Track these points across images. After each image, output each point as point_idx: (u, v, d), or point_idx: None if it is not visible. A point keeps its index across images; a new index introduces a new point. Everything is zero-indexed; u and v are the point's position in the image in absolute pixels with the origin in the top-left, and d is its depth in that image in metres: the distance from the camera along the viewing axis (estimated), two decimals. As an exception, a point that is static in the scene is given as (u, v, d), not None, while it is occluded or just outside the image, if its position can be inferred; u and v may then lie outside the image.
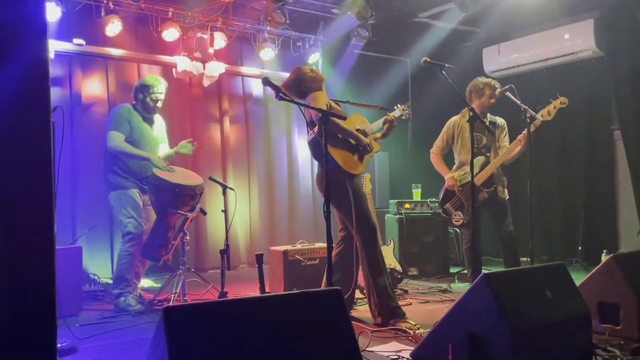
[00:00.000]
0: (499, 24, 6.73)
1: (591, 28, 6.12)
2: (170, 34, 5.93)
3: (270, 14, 6.12)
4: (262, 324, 1.99)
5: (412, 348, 2.99)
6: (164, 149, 4.72)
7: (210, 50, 6.25)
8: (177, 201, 4.31)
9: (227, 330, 1.92)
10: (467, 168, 4.29)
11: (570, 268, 3.07)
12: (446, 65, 3.77)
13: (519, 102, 4.39)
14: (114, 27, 5.57)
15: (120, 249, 4.41)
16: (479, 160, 4.65)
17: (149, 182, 4.40)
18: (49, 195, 1.68)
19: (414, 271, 5.90)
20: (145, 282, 5.38)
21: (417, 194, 6.47)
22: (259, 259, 3.57)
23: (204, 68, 6.25)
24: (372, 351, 3.13)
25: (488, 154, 4.74)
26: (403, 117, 4.31)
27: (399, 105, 4.31)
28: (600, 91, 6.40)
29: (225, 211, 4.45)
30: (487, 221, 4.91)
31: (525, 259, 4.66)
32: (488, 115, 4.84)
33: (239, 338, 1.92)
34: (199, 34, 6.27)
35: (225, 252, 4.19)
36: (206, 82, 6.44)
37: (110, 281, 4.80)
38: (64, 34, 5.51)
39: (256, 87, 7.20)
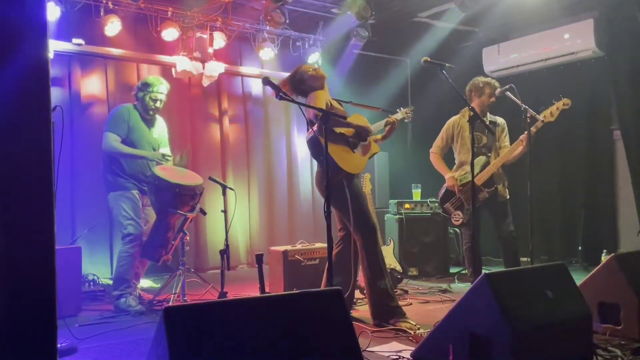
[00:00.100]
0: (499, 24, 6.73)
1: (591, 28, 6.11)
2: (170, 33, 5.92)
3: (270, 14, 6.12)
4: (263, 324, 1.98)
5: (413, 348, 2.98)
6: (166, 151, 4.71)
7: (210, 50, 6.25)
8: (177, 201, 4.30)
9: (228, 330, 1.91)
10: (468, 167, 4.29)
11: (570, 268, 3.06)
12: (446, 65, 3.77)
13: (519, 102, 4.39)
14: (113, 26, 5.56)
15: (121, 250, 4.41)
16: (480, 160, 4.64)
17: (149, 182, 4.39)
18: (49, 194, 1.68)
19: (414, 271, 5.89)
20: (145, 283, 5.37)
21: (417, 194, 6.47)
22: (259, 259, 3.57)
23: (203, 68, 6.24)
24: (372, 351, 3.12)
25: (489, 154, 4.74)
26: (406, 121, 4.29)
27: (402, 108, 4.28)
28: (600, 91, 6.39)
29: (225, 211, 4.44)
30: (487, 221, 4.91)
31: (525, 259, 4.66)
32: (488, 114, 4.84)
33: (240, 338, 1.92)
34: (198, 34, 6.27)
35: (225, 252, 4.19)
36: (205, 82, 6.43)
37: (110, 282, 4.79)
38: (63, 33, 5.50)
39: (256, 87, 7.19)
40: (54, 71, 5.52)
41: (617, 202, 6.40)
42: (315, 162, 7.42)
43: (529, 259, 4.21)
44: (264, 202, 7.15)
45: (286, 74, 7.07)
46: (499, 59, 7.00)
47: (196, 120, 6.68)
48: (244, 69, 7.00)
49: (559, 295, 2.75)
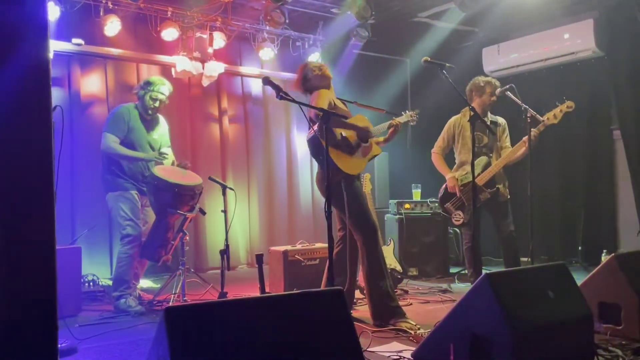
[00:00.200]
0: (499, 24, 6.72)
1: (591, 28, 6.11)
2: (170, 33, 5.92)
3: (270, 14, 6.11)
4: (264, 324, 1.98)
5: (413, 348, 2.98)
6: (168, 152, 4.71)
7: (210, 50, 6.24)
8: (176, 201, 4.29)
9: (229, 330, 1.91)
10: (468, 167, 4.28)
11: (570, 268, 3.05)
12: (447, 64, 3.76)
13: (519, 101, 4.39)
14: (113, 26, 5.55)
15: (120, 252, 4.40)
16: (482, 160, 4.64)
17: (148, 182, 4.39)
18: (50, 194, 1.67)
19: (414, 271, 5.89)
20: (145, 283, 5.37)
21: (417, 194, 6.47)
22: (259, 259, 3.56)
23: (203, 68, 6.24)
24: (373, 351, 3.12)
25: (491, 155, 4.74)
26: (411, 124, 4.22)
27: (407, 111, 4.23)
28: (600, 91, 6.39)
29: (225, 211, 4.43)
30: (487, 221, 4.91)
31: (525, 259, 4.66)
32: (489, 114, 4.83)
33: (241, 338, 1.91)
34: (198, 34, 6.26)
35: (225, 252, 4.19)
36: (205, 82, 6.43)
37: (110, 282, 4.78)
38: (63, 33, 5.50)
39: (255, 87, 7.19)
40: (53, 71, 5.49)
41: (617, 202, 6.40)
42: (315, 162, 7.47)
43: (529, 259, 4.20)
44: (263, 202, 7.15)
45: (286, 74, 7.17)
46: (499, 59, 7.00)
47: (196, 120, 6.67)
48: (243, 69, 7.00)
49: (559, 296, 2.74)
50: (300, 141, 7.50)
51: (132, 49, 6.05)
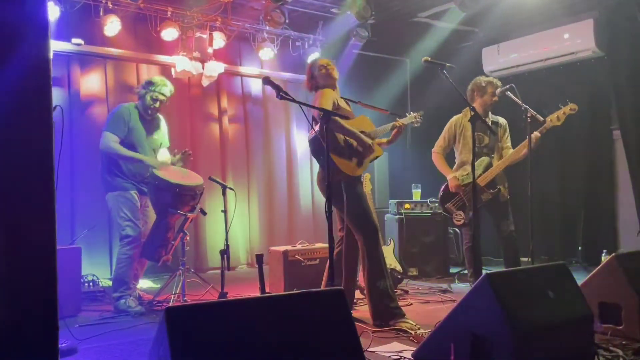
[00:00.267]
0: (499, 24, 6.72)
1: (591, 28, 6.11)
2: (169, 33, 5.91)
3: (270, 14, 6.11)
4: (265, 324, 1.98)
5: (414, 348, 2.98)
6: (164, 153, 4.70)
7: (209, 50, 6.24)
8: (177, 201, 4.29)
9: (230, 330, 1.91)
10: (469, 167, 4.28)
11: (569, 268, 3.05)
12: (447, 64, 3.76)
13: (519, 101, 4.38)
14: (112, 26, 5.55)
15: (119, 253, 4.39)
16: (483, 161, 4.64)
17: (148, 182, 4.38)
18: (51, 194, 1.67)
19: (414, 271, 5.89)
20: (144, 283, 5.37)
21: (417, 194, 6.47)
22: (259, 259, 3.56)
23: (203, 68, 6.24)
24: (373, 351, 3.12)
25: (492, 155, 4.73)
26: (415, 125, 4.18)
27: (411, 112, 4.20)
28: (600, 91, 6.39)
29: (225, 211, 4.43)
30: (488, 221, 4.90)
31: (525, 259, 4.66)
32: (490, 114, 4.83)
33: (242, 338, 1.91)
34: (198, 34, 6.26)
35: (225, 252, 4.18)
36: (205, 82, 6.42)
37: (110, 283, 4.78)
38: (63, 33, 5.50)
39: (255, 87, 7.19)
40: (53, 71, 5.50)
41: (616, 202, 6.40)
42: (315, 162, 7.46)
43: (529, 259, 4.20)
44: (263, 202, 7.15)
45: (286, 74, 7.17)
46: (499, 59, 7.00)
47: (196, 120, 6.67)
48: (243, 69, 7.00)
49: (560, 296, 2.74)
50: (300, 141, 7.50)
51: (132, 49, 6.05)
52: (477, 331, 2.50)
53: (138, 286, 4.71)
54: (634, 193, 5.99)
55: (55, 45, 5.35)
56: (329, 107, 3.66)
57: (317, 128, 3.62)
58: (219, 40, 6.30)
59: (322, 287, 3.99)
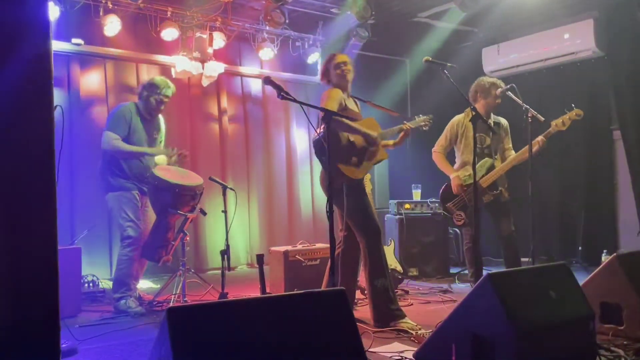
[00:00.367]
0: (499, 24, 6.72)
1: (591, 28, 6.11)
2: (169, 33, 5.91)
3: (270, 14, 6.11)
4: (267, 325, 1.97)
5: (415, 349, 2.97)
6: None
7: (209, 50, 6.24)
8: (177, 201, 4.28)
9: (232, 331, 1.90)
10: (471, 168, 4.27)
11: (570, 268, 3.05)
12: (448, 64, 3.75)
13: (520, 101, 4.38)
14: (112, 26, 5.55)
15: (120, 254, 4.38)
16: (486, 162, 4.64)
17: (149, 182, 4.37)
18: (52, 194, 1.66)
19: (414, 272, 5.88)
20: (144, 283, 5.36)
21: (417, 194, 6.46)
22: (260, 259, 3.56)
23: (203, 68, 6.23)
24: (374, 352, 3.11)
25: (496, 157, 4.73)
26: (424, 129, 4.15)
27: (420, 115, 4.15)
28: (600, 91, 6.39)
29: (225, 211, 4.42)
30: (488, 221, 4.90)
31: (526, 259, 4.65)
32: (492, 115, 4.82)
33: (244, 339, 1.91)
34: (198, 34, 6.25)
35: (225, 252, 4.18)
36: (205, 82, 6.42)
37: (110, 283, 4.77)
38: (63, 33, 5.49)
39: (255, 87, 7.18)
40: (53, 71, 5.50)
41: (617, 202, 6.40)
42: (315, 162, 7.46)
43: (530, 259, 4.20)
44: (263, 202, 7.14)
45: (286, 74, 7.17)
46: (499, 59, 7.00)
47: (196, 120, 6.66)
48: (243, 69, 6.99)
49: (561, 296, 2.74)
50: (300, 141, 7.49)
51: (131, 49, 6.04)
52: (479, 331, 2.49)
53: (138, 286, 4.69)
54: (634, 193, 5.99)
55: (55, 45, 5.33)
56: (334, 108, 3.64)
57: (320, 131, 3.60)
58: (219, 40, 6.29)
59: (323, 287, 3.99)
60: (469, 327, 2.54)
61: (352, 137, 3.79)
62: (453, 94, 3.91)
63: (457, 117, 4.92)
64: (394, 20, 6.93)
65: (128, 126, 4.40)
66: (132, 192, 4.41)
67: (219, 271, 4.30)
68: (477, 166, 4.10)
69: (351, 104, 3.94)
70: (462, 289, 5.16)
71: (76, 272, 4.35)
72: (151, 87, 4.49)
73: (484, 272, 2.76)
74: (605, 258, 5.06)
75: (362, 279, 4.12)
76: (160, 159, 4.68)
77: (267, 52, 6.63)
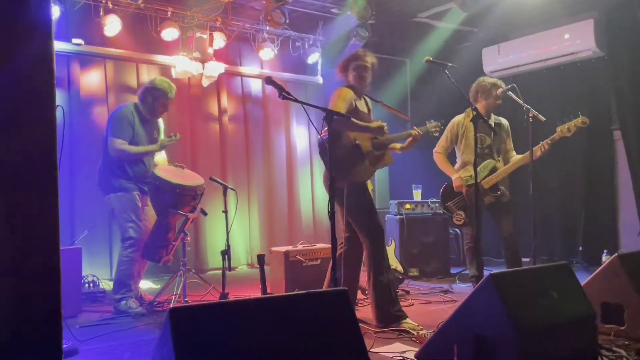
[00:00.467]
0: (499, 24, 6.72)
1: (591, 28, 6.11)
2: (170, 33, 5.90)
3: (270, 14, 6.11)
4: (269, 325, 1.97)
5: (416, 349, 2.97)
6: (162, 153, 4.72)
7: (210, 50, 6.23)
8: (177, 202, 4.28)
9: (235, 331, 1.90)
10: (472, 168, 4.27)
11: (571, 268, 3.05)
12: (449, 64, 3.75)
13: (521, 102, 4.38)
14: (112, 26, 5.54)
15: (121, 254, 4.36)
16: (489, 163, 4.64)
17: (149, 182, 4.37)
18: (54, 195, 1.66)
19: (414, 272, 5.88)
20: (145, 284, 5.35)
21: (417, 194, 6.46)
22: (261, 259, 3.56)
23: (203, 68, 6.23)
24: (376, 352, 3.11)
25: (498, 158, 4.73)
26: (435, 134, 4.09)
27: (432, 121, 4.09)
28: (600, 91, 6.39)
29: (225, 212, 4.42)
30: (488, 221, 4.90)
31: (527, 259, 4.66)
32: (493, 116, 4.82)
33: (246, 339, 1.90)
34: (198, 34, 6.25)
35: (226, 252, 4.17)
36: (205, 82, 6.41)
37: (110, 283, 4.76)
38: (63, 33, 5.49)
39: (255, 87, 7.18)
40: (53, 71, 5.50)
41: (617, 202, 6.40)
42: (315, 162, 7.46)
43: (531, 259, 4.20)
44: (264, 202, 7.14)
45: (286, 74, 7.16)
46: (499, 59, 7.00)
47: (196, 120, 6.66)
48: (243, 69, 6.99)
49: (563, 296, 2.74)
50: (300, 141, 7.49)
51: (132, 49, 6.04)
52: (480, 332, 2.49)
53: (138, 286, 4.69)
54: (634, 193, 5.99)
55: (56, 45, 5.19)
56: (343, 109, 3.63)
57: (324, 131, 3.59)
58: (219, 41, 6.29)
59: (324, 288, 3.99)
60: (470, 328, 2.54)
61: (358, 141, 3.78)
62: (453, 94, 3.91)
63: (458, 118, 4.91)
64: (394, 20, 6.93)
65: (132, 128, 4.38)
66: (133, 192, 4.39)
67: (220, 271, 4.29)
68: (480, 167, 4.10)
69: (362, 105, 3.92)
70: (463, 289, 5.16)
71: (76, 273, 4.35)
72: (156, 92, 4.44)
73: (485, 273, 2.76)
74: (605, 258, 5.07)
75: (362, 279, 4.11)
76: (161, 159, 4.67)
77: (268, 52, 6.63)
